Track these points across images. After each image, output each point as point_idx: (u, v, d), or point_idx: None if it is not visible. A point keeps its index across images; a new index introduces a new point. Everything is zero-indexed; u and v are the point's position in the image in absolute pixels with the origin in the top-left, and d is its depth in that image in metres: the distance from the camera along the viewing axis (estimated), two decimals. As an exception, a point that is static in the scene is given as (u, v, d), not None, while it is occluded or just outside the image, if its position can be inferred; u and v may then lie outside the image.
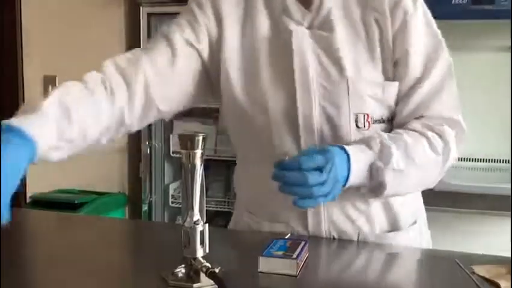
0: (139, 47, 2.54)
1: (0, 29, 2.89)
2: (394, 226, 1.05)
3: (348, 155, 0.91)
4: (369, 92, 0.98)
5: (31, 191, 2.69)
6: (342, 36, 0.98)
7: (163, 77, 1.01)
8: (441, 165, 0.98)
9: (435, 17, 1.04)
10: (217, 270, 0.78)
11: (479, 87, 2.24)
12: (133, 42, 2.57)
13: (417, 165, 0.95)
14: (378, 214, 1.03)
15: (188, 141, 0.81)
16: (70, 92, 0.90)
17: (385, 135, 0.95)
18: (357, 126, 0.98)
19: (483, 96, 2.25)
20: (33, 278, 0.88)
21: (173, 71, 1.02)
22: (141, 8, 2.46)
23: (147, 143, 2.56)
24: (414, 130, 0.98)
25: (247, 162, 1.12)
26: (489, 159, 2.29)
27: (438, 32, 1.02)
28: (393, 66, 0.99)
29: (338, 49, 0.98)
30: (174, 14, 2.68)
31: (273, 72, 1.01)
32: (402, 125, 1.00)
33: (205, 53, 1.04)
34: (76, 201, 2.39)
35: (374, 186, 0.94)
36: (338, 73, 0.98)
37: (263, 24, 1.02)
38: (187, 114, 2.78)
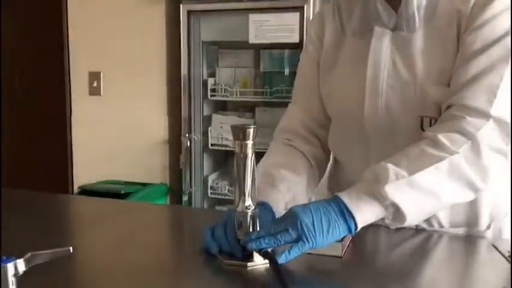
0: (179, 44, 2.63)
1: (46, 27, 3.03)
2: (456, 223, 1.06)
3: (343, 203, 0.86)
4: (437, 97, 0.97)
5: (78, 182, 2.84)
6: (420, 37, 0.99)
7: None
8: (467, 167, 0.89)
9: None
10: (269, 250, 0.85)
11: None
12: (173, 39, 2.66)
13: (425, 167, 0.88)
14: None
15: (240, 133, 0.88)
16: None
17: (384, 161, 0.90)
18: (422, 129, 0.99)
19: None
20: (92, 262, 0.96)
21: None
22: (181, 5, 2.54)
23: (187, 135, 2.64)
24: (425, 137, 0.92)
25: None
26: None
27: None
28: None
29: (412, 53, 0.99)
30: (213, 11, 2.75)
31: (349, 65, 1.07)
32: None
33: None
34: (122, 192, 2.50)
35: (393, 213, 0.89)
36: (410, 77, 0.99)
37: (354, 22, 1.04)
38: (224, 108, 2.87)
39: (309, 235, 0.83)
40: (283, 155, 1.14)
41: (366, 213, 0.86)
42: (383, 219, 0.90)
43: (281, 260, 0.83)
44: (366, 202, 0.86)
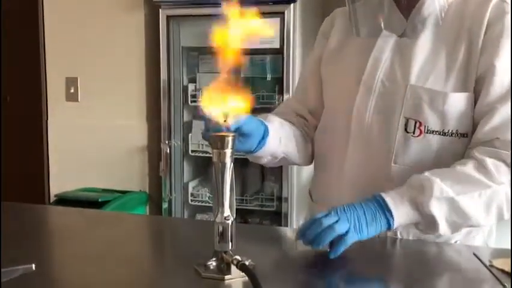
0: (159, 49, 2.58)
1: (23, 31, 2.96)
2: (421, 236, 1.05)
3: (384, 201, 0.93)
4: (427, 101, 1.00)
5: (55, 189, 2.77)
6: (424, 44, 1.03)
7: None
8: (504, 199, 0.95)
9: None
10: (247, 263, 0.82)
11: None
12: (152, 44, 2.62)
13: (470, 192, 0.94)
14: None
15: (218, 142, 0.86)
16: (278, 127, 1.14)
17: (431, 173, 0.95)
18: (406, 130, 1.02)
19: None
20: (71, 273, 0.92)
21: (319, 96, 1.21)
22: (160, 10, 2.51)
23: (167, 142, 2.61)
24: (474, 158, 0.96)
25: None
26: None
27: None
28: (476, 77, 0.99)
29: (411, 56, 1.03)
30: (193, 17, 2.72)
31: (351, 60, 1.12)
32: (481, 142, 0.98)
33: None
34: (100, 200, 2.45)
35: (428, 222, 0.95)
36: (402, 77, 1.03)
37: (367, 26, 1.10)
38: (205, 113, 2.83)
39: (358, 226, 0.91)
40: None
41: (403, 216, 0.94)
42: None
43: (336, 253, 0.89)
44: (406, 207, 0.94)
